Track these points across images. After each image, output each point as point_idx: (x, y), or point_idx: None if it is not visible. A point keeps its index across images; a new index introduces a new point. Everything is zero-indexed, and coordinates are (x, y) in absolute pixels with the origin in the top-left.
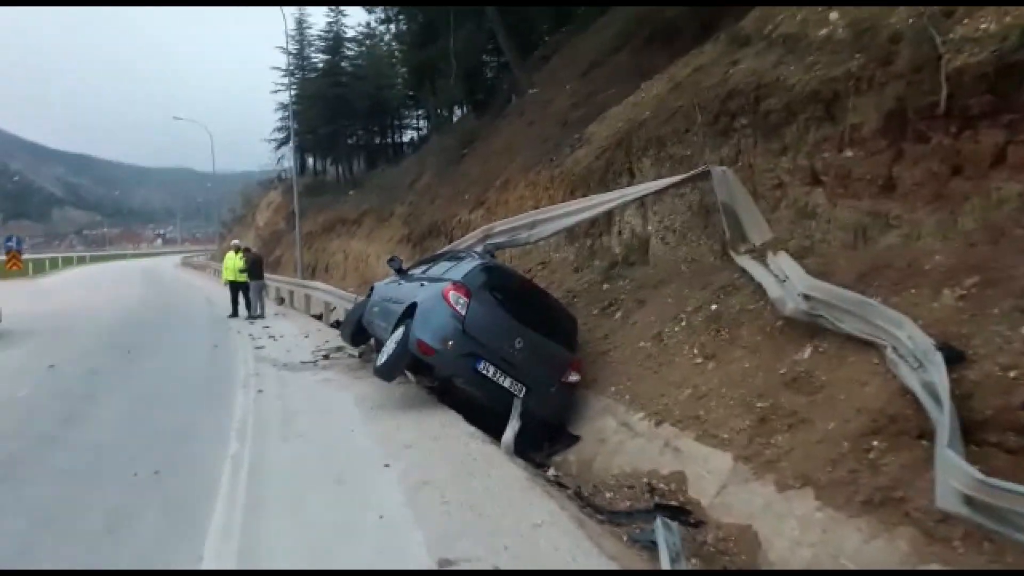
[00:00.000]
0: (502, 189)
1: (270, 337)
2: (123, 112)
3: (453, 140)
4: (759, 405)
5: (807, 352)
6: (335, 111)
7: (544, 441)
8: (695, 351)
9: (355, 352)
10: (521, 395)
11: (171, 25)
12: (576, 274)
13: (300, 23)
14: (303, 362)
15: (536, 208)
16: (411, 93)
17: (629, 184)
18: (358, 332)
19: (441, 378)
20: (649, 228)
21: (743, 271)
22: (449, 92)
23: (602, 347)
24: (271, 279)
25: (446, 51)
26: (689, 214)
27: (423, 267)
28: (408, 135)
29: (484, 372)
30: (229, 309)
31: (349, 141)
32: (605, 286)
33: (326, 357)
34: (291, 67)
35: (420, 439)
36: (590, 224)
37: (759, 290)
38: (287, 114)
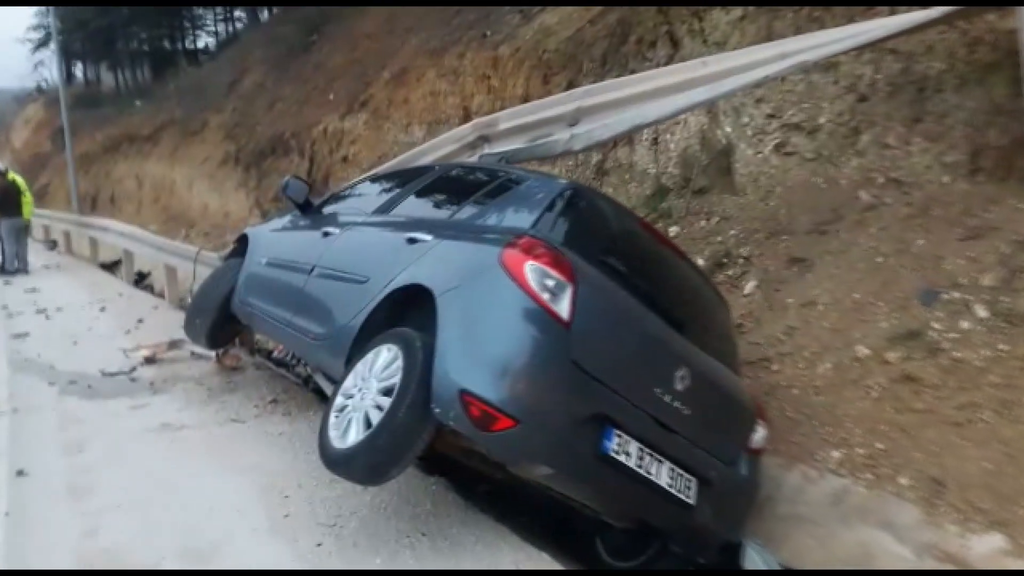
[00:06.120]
0: (396, 83)
1: (39, 312)
2: None
3: (290, 28)
4: None
5: None
6: None
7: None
8: None
9: (208, 352)
10: (692, 498)
11: None
12: None
13: None
14: (106, 373)
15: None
16: None
17: (669, 61)
18: (220, 325)
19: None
20: (727, 129)
21: None
22: None
23: (746, 351)
24: (39, 214)
25: None
26: (852, 99)
27: (375, 195)
28: (203, 41)
29: (621, 458)
30: None
31: (131, 45)
32: (673, 228)
33: (150, 360)
34: None
35: None
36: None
37: None
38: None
